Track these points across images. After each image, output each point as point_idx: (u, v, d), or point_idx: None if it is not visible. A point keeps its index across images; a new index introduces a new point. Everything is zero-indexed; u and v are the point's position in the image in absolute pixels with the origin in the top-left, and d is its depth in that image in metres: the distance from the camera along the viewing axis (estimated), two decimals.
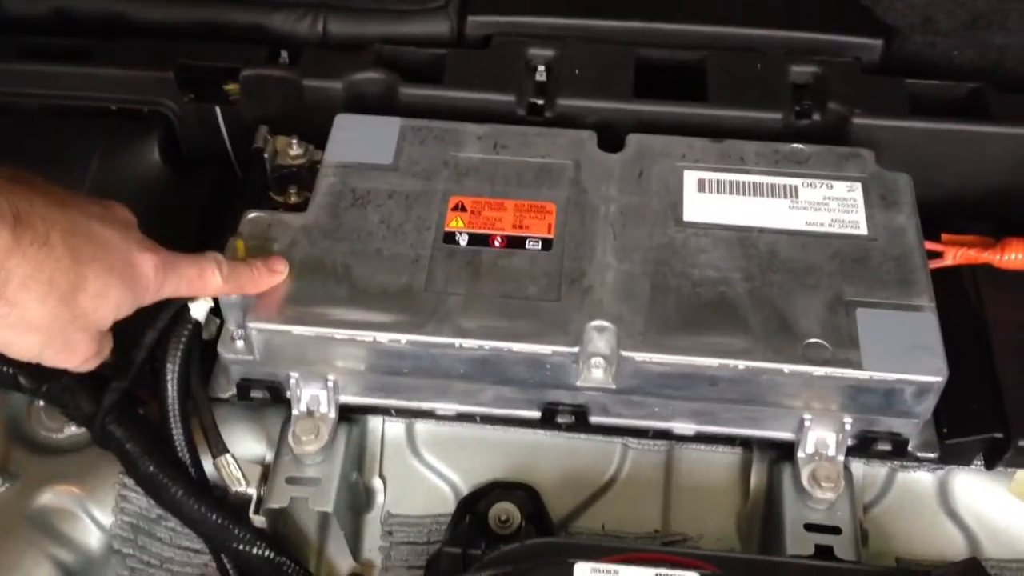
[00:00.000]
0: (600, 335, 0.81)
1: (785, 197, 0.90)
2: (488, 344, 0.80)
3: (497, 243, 0.86)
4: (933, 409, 0.82)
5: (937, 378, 0.79)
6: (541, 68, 1.03)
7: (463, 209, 0.89)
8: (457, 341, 0.80)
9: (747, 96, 1.00)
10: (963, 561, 0.78)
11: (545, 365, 0.81)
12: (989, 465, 0.87)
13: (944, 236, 0.93)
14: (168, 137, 1.04)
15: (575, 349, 0.80)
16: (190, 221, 0.99)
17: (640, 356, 0.80)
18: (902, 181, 0.91)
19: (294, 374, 0.85)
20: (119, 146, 1.03)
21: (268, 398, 0.87)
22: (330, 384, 0.85)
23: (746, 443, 0.89)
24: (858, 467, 0.88)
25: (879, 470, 0.89)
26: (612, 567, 0.71)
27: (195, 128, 1.05)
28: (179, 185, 1.03)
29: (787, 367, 0.79)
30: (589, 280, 0.84)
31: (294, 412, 0.86)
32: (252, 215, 0.88)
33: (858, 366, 0.79)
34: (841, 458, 0.84)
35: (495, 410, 0.87)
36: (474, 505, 0.88)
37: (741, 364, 0.80)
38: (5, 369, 0.89)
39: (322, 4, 1.09)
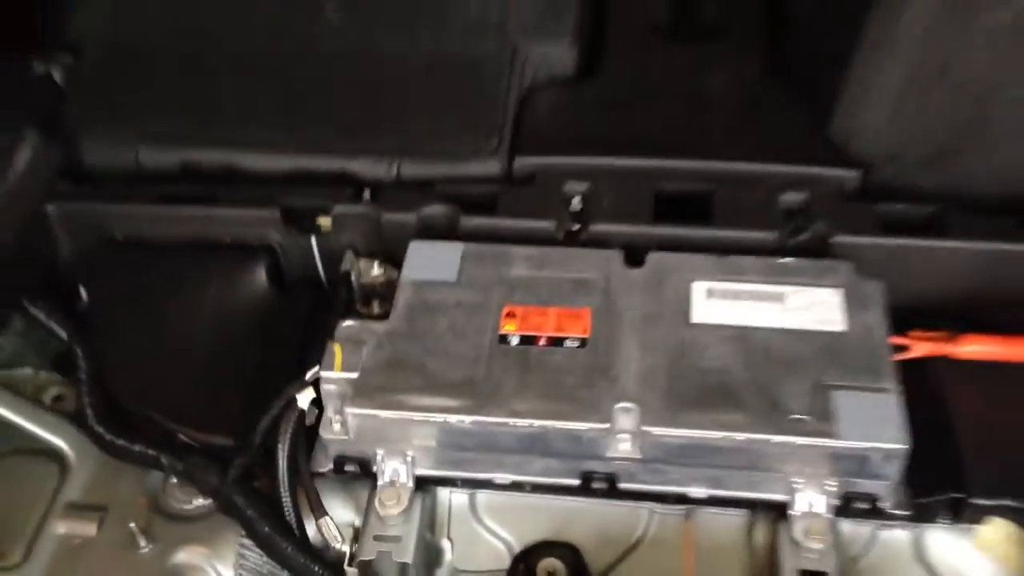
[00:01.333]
0: (626, 415, 1.01)
1: (777, 302, 1.11)
2: (536, 423, 1.01)
3: (542, 343, 1.07)
4: (902, 473, 1.00)
5: (900, 445, 0.97)
6: (576, 200, 1.25)
7: (514, 316, 1.10)
8: (511, 420, 1.01)
9: (746, 220, 1.22)
10: None
11: (581, 439, 1.01)
12: (954, 521, 1.04)
13: (911, 333, 1.12)
14: (273, 263, 1.28)
15: (606, 426, 1.00)
16: (294, 332, 1.21)
17: (658, 431, 1.00)
18: (875, 288, 1.11)
19: (380, 451, 1.06)
20: (234, 272, 1.26)
21: (358, 471, 1.08)
22: (409, 459, 1.06)
23: (753, 506, 1.07)
24: (847, 526, 1.06)
25: (864, 528, 1.07)
26: None
27: (294, 255, 1.28)
28: (283, 302, 1.26)
29: (776, 438, 0.98)
30: (617, 371, 1.04)
31: (379, 482, 1.06)
32: (345, 324, 1.10)
33: (834, 437, 0.98)
34: (828, 516, 1.02)
35: (542, 479, 1.06)
36: (526, 560, 1.07)
37: (740, 436, 0.99)
38: (149, 451, 1.12)
39: (396, 150, 1.33)
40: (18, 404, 1.19)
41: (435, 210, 1.25)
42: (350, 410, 1.03)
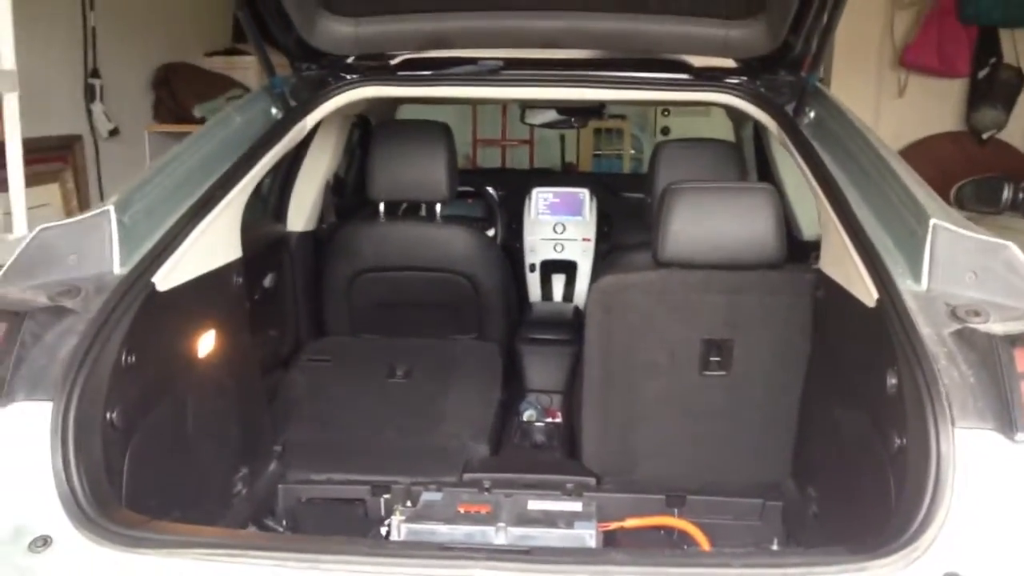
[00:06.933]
0: (499, 525, 2.88)
1: (555, 508, 3.03)
2: (476, 527, 2.87)
3: (475, 511, 2.97)
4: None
5: (594, 531, 2.85)
6: (487, 483, 3.21)
7: (466, 507, 3.01)
8: (468, 528, 2.88)
9: (554, 492, 3.19)
10: None
11: (487, 534, 2.87)
12: None
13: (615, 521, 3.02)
14: (365, 508, 3.19)
15: (495, 528, 2.87)
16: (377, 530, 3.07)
17: (512, 530, 2.87)
18: (592, 504, 3.05)
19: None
20: (351, 509, 3.17)
21: None
22: None
23: None
24: None
25: None
26: None
27: (373, 507, 3.20)
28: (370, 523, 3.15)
29: (555, 531, 2.86)
30: (498, 519, 2.93)
31: None
32: (402, 509, 3.00)
33: (574, 529, 2.86)
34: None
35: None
36: None
37: (546, 532, 2.86)
38: None
39: (417, 472, 3.30)
40: None
41: (431, 487, 3.19)
42: (404, 526, 2.89)
